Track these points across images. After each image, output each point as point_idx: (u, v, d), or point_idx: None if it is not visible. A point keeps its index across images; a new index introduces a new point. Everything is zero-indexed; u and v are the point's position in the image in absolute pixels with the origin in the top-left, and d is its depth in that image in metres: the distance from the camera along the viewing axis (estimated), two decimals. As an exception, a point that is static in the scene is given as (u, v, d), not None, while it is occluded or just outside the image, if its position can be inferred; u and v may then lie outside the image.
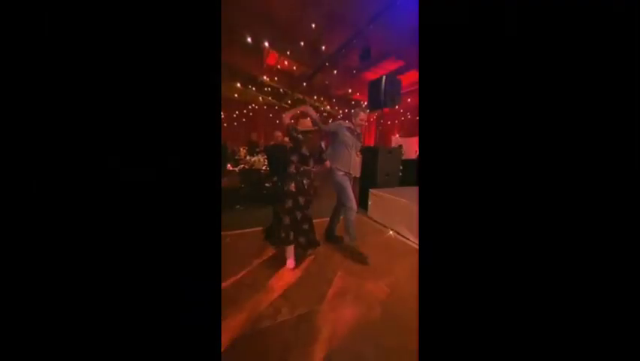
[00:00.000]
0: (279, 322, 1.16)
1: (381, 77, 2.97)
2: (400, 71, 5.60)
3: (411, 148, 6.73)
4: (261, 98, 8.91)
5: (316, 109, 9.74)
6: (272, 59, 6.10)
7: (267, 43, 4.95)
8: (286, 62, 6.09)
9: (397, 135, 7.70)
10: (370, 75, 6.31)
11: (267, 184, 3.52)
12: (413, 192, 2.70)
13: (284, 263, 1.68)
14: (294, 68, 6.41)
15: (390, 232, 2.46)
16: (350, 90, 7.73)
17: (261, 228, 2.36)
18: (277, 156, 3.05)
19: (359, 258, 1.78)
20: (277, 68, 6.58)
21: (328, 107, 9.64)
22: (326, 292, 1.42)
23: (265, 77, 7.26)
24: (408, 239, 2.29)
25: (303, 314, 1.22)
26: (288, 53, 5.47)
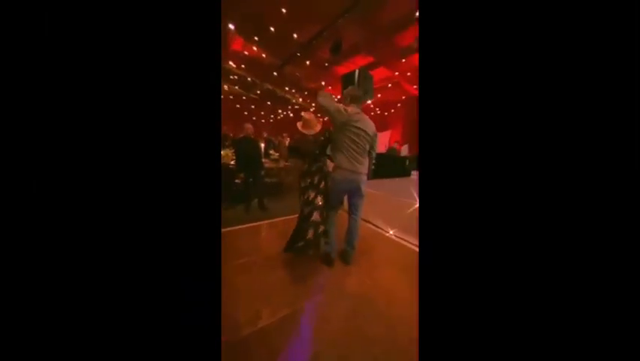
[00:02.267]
0: (261, 327, 1.08)
1: (355, 71, 2.97)
2: (369, 67, 5.73)
3: (380, 142, 7.04)
4: (226, 86, 8.18)
5: (287, 101, 9.45)
6: (237, 44, 5.59)
7: (232, 26, 4.50)
8: (255, 48, 5.65)
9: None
10: (341, 69, 6.32)
11: (236, 180, 3.26)
12: (386, 184, 2.81)
13: (260, 265, 1.58)
14: (263, 55, 6.00)
15: (369, 225, 2.52)
16: (323, 83, 7.63)
17: (230, 228, 2.19)
18: (246, 150, 2.83)
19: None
20: (244, 55, 6.07)
21: (300, 99, 9.41)
22: (308, 289, 1.37)
23: (231, 63, 6.65)
24: (381, 228, 2.39)
25: (286, 316, 1.15)
26: (256, 38, 5.08)
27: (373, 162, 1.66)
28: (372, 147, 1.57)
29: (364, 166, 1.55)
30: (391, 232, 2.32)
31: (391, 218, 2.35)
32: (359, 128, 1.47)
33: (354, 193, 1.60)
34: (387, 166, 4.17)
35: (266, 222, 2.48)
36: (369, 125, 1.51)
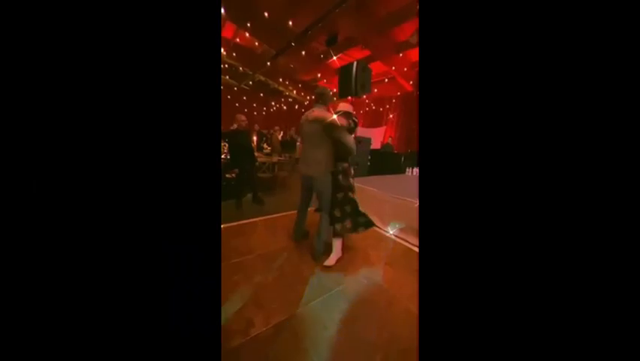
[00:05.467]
0: (253, 336, 1.03)
1: (353, 64, 2.89)
2: (365, 61, 5.63)
3: (375, 138, 7.06)
4: (216, 75, 7.84)
5: (280, 94, 9.22)
6: (228, 30, 5.35)
7: (222, 10, 4.27)
8: (247, 35, 5.42)
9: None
10: (336, 62, 6.19)
11: (227, 175, 3.16)
12: (381, 181, 2.82)
13: (251, 267, 1.53)
14: (256, 44, 5.78)
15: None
16: (319, 75, 7.44)
17: (224, 225, 2.13)
18: (240, 143, 2.73)
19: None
20: (236, 43, 5.83)
21: (295, 92, 9.20)
22: (303, 293, 1.33)
23: (222, 51, 6.38)
24: (379, 228, 2.39)
25: (281, 322, 1.11)
26: (249, 25, 4.86)
27: (354, 154, 1.63)
28: (338, 140, 1.49)
29: (316, 164, 1.54)
30: (384, 228, 2.33)
31: (388, 216, 2.35)
32: (309, 123, 1.49)
33: (312, 188, 1.68)
34: (382, 162, 4.18)
35: (260, 218, 2.43)
36: (322, 117, 1.45)
